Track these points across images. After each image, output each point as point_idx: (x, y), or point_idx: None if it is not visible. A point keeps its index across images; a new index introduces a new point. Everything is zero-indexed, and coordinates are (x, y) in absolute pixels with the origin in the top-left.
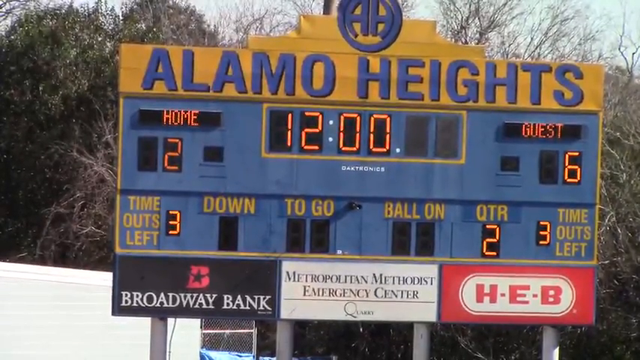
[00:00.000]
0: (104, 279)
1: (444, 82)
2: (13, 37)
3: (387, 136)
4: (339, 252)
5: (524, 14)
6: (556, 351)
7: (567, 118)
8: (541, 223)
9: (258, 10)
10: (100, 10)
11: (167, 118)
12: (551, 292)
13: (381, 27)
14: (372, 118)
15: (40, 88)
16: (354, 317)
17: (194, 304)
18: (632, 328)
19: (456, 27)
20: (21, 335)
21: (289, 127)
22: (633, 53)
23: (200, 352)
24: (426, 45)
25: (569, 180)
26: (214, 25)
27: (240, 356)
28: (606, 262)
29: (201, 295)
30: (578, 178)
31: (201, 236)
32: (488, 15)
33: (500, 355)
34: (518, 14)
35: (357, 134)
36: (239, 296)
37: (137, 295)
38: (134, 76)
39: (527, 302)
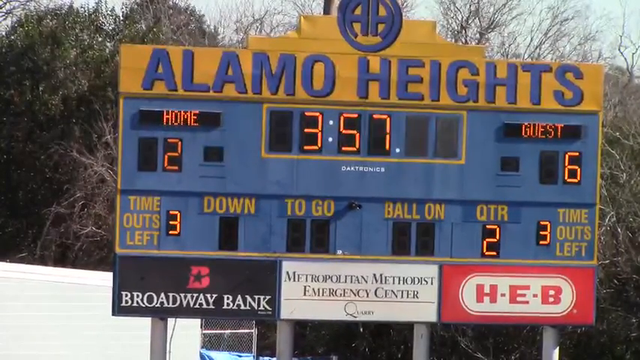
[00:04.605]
0: (104, 279)
1: (444, 82)
2: (13, 37)
3: (387, 136)
4: (340, 252)
5: (524, 14)
6: (556, 351)
7: (567, 118)
8: (541, 223)
9: (259, 11)
10: (100, 11)
11: (167, 119)
12: (552, 292)
13: (381, 27)
14: (372, 119)
15: (40, 89)
16: (354, 317)
17: (194, 304)
18: (632, 328)
19: (456, 27)
20: (21, 335)
21: (289, 127)
22: (633, 53)
23: (200, 352)
24: (426, 45)
25: (569, 180)
26: (214, 26)
27: (240, 356)
28: (606, 262)
29: (201, 295)
30: (578, 179)
31: (202, 236)
32: (489, 15)
33: (501, 355)
34: (518, 14)
35: (357, 134)
36: (239, 296)
37: (137, 295)
38: (134, 77)
39: (527, 302)
